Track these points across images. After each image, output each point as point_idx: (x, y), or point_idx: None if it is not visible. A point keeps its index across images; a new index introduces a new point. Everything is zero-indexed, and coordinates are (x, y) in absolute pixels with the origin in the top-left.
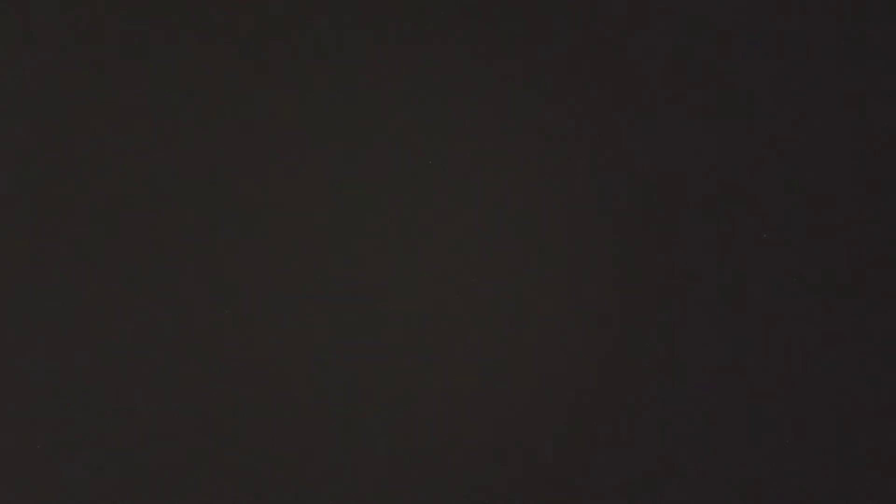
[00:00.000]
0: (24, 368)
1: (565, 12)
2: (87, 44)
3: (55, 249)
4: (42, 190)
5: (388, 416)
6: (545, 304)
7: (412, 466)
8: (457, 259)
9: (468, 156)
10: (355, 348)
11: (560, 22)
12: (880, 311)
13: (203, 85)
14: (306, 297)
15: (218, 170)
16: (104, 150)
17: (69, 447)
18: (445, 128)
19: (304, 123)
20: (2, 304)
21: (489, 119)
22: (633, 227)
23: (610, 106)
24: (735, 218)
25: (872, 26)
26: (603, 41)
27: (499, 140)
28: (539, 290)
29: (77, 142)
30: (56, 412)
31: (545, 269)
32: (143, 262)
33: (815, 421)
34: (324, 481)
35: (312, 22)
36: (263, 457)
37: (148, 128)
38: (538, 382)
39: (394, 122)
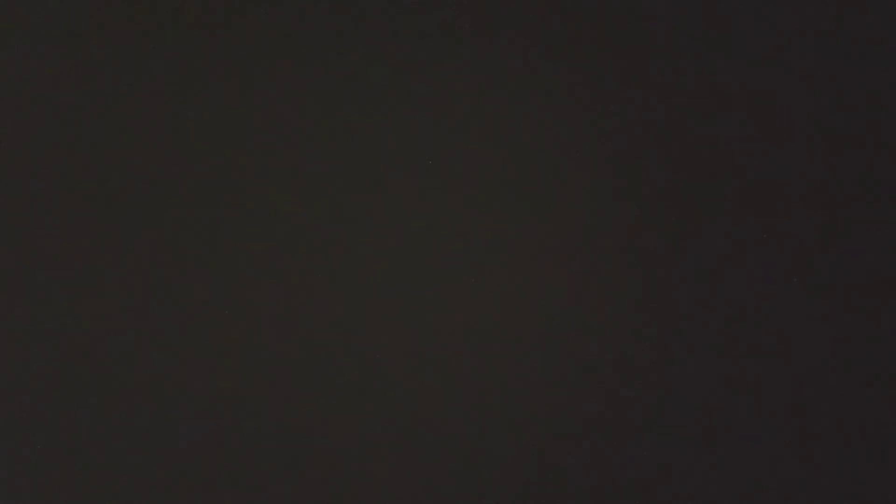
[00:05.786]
0: (25, 368)
1: (566, 11)
2: (87, 43)
3: (55, 250)
4: (42, 190)
5: (389, 415)
6: (546, 303)
7: (412, 467)
8: (457, 259)
9: (468, 156)
10: (355, 348)
11: (561, 21)
12: (880, 311)
13: (203, 85)
14: (306, 297)
15: (218, 169)
16: (104, 150)
17: (69, 447)
18: (445, 128)
19: (305, 123)
20: (2, 304)
21: (489, 119)
22: (633, 228)
23: (610, 106)
24: (736, 218)
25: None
26: (604, 40)
27: (499, 140)
28: (539, 290)
29: (76, 142)
30: (56, 412)
31: (545, 270)
32: (143, 262)
33: (814, 421)
34: (325, 482)
35: (313, 22)
36: (264, 457)
37: (148, 127)
38: (538, 382)
39: (393, 122)
